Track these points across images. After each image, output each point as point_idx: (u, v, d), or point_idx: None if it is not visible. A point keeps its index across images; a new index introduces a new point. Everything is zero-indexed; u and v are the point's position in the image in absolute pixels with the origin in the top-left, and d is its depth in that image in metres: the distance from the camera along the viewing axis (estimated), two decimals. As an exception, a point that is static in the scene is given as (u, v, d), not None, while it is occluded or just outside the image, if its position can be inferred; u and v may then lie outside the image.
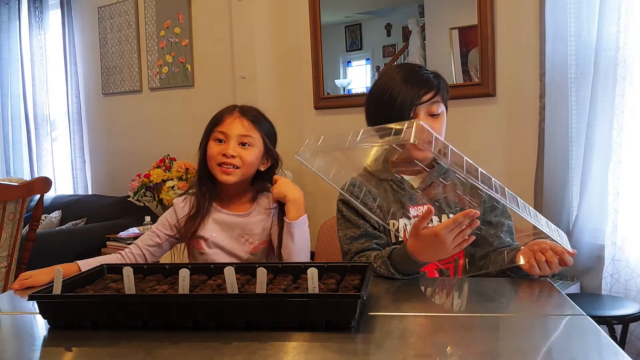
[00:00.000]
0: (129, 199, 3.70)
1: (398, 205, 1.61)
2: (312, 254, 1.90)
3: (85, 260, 1.64)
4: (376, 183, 1.64)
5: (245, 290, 1.22)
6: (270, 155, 1.79)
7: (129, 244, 1.82)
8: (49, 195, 4.20)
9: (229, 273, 1.16)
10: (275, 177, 1.77)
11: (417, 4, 3.01)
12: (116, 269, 1.40)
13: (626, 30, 2.37)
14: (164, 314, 1.16)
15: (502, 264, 1.50)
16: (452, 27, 2.93)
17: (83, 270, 1.55)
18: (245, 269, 1.34)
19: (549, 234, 1.37)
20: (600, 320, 2.16)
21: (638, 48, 2.39)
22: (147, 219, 3.57)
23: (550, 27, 2.54)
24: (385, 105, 1.56)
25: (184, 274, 1.17)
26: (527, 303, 1.39)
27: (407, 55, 3.08)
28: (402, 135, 1.25)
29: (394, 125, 1.30)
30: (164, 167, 3.62)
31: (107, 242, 3.55)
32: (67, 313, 1.19)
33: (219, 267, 1.28)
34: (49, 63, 4.74)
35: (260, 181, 1.82)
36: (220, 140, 1.73)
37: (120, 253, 1.76)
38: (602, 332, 1.08)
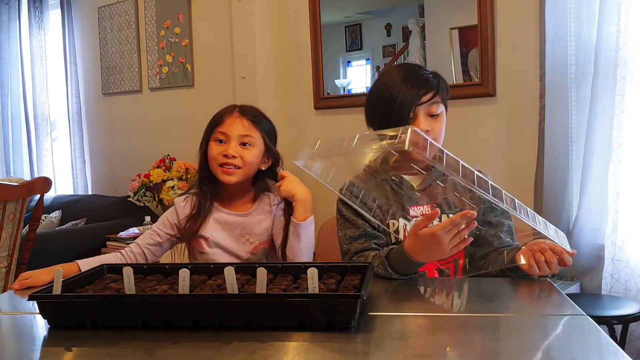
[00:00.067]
0: (129, 199, 3.70)
1: (398, 206, 1.61)
2: (312, 254, 1.90)
3: (85, 259, 1.65)
4: (376, 183, 1.64)
5: (245, 290, 1.22)
6: (271, 154, 1.79)
7: (129, 244, 1.82)
8: (49, 195, 4.20)
9: (229, 273, 1.16)
10: (282, 172, 1.76)
11: (417, 4, 3.01)
12: (116, 269, 1.40)
13: (626, 30, 2.37)
14: (164, 314, 1.16)
15: (501, 264, 1.50)
16: (452, 27, 2.93)
17: (83, 269, 1.55)
18: (245, 269, 1.34)
19: (547, 235, 1.37)
20: (600, 320, 2.16)
21: (638, 48, 2.39)
22: (147, 219, 3.57)
23: (550, 27, 2.54)
24: (384, 106, 1.56)
25: (184, 274, 1.17)
26: (527, 303, 1.39)
27: (407, 55, 3.08)
28: (396, 142, 1.26)
29: (389, 132, 1.31)
30: (164, 167, 3.63)
31: (107, 242, 3.55)
32: (67, 313, 1.19)
33: (219, 267, 1.28)
34: (49, 63, 4.74)
35: (261, 180, 1.82)
36: (220, 141, 1.73)
37: (120, 252, 1.76)
38: (602, 332, 1.08)
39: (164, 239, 1.80)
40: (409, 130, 1.27)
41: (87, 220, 3.97)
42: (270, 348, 1.04)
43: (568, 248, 1.39)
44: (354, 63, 3.38)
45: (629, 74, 2.41)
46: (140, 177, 3.63)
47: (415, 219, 1.59)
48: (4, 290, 2.63)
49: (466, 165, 1.33)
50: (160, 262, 1.87)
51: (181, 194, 1.88)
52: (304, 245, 1.69)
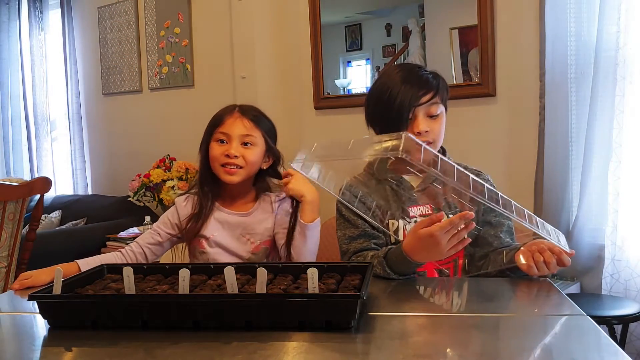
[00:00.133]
0: (129, 199, 3.70)
1: (397, 206, 1.61)
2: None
3: (85, 259, 1.65)
4: (375, 183, 1.65)
5: (245, 290, 1.22)
6: (272, 153, 1.79)
7: (129, 244, 1.82)
8: (49, 195, 4.20)
9: (229, 273, 1.16)
10: (289, 170, 1.75)
11: (417, 4, 3.01)
12: (116, 269, 1.40)
13: (626, 30, 2.37)
14: (164, 314, 1.16)
15: (501, 264, 1.50)
16: (452, 27, 2.93)
17: (83, 269, 1.55)
18: (245, 269, 1.34)
19: (545, 237, 1.37)
20: (600, 320, 2.16)
21: (638, 48, 2.39)
22: (147, 219, 3.57)
23: (550, 27, 2.54)
24: (384, 106, 1.56)
25: (184, 274, 1.17)
26: (527, 303, 1.39)
27: (407, 55, 3.08)
28: (390, 148, 1.27)
29: (385, 137, 1.32)
30: (164, 167, 3.63)
31: (107, 242, 3.55)
32: (67, 313, 1.19)
33: (219, 267, 1.28)
34: (49, 63, 4.74)
35: (262, 180, 1.82)
36: (222, 141, 1.74)
37: (120, 251, 1.76)
38: (602, 332, 1.08)
39: (164, 238, 1.80)
40: (403, 136, 1.28)
41: (87, 220, 3.97)
42: (270, 348, 1.04)
43: (567, 249, 1.39)
44: (354, 63, 3.38)
45: (629, 74, 2.41)
46: (140, 177, 3.63)
47: (415, 219, 1.59)
48: (4, 290, 2.63)
49: (461, 169, 1.34)
50: (160, 262, 1.87)
51: (182, 194, 1.88)
52: (309, 247, 1.69)
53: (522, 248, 1.44)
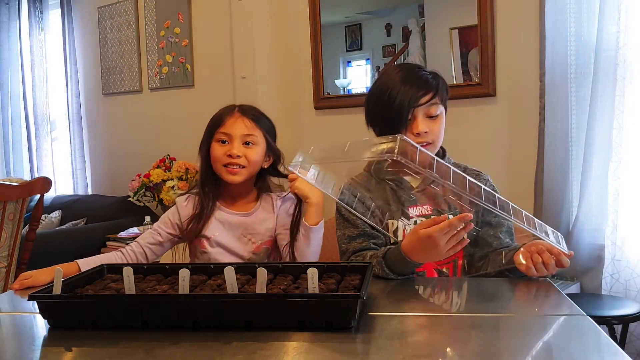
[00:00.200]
0: (129, 199, 3.70)
1: (397, 206, 1.61)
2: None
3: (85, 259, 1.65)
4: (375, 183, 1.65)
5: (245, 290, 1.22)
6: (272, 151, 1.79)
7: (129, 244, 1.82)
8: (49, 195, 4.19)
9: (229, 273, 1.16)
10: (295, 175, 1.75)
11: (417, 4, 3.01)
12: (116, 269, 1.40)
13: (626, 30, 2.37)
14: (164, 314, 1.16)
15: (500, 264, 1.50)
16: (452, 27, 2.93)
17: (83, 269, 1.55)
18: (246, 269, 1.34)
19: (543, 238, 1.37)
20: (600, 320, 2.16)
21: (638, 48, 2.39)
22: (147, 219, 3.57)
23: (550, 27, 2.54)
24: (384, 106, 1.56)
25: (184, 274, 1.17)
26: (527, 303, 1.39)
27: (407, 55, 3.08)
28: (385, 151, 1.28)
29: (381, 140, 1.33)
30: (164, 167, 3.63)
31: (107, 242, 3.55)
32: (67, 313, 1.19)
33: (219, 267, 1.28)
34: (49, 63, 4.74)
35: (263, 179, 1.83)
36: (223, 141, 1.74)
37: (121, 251, 1.76)
38: (602, 332, 1.08)
39: (165, 238, 1.80)
40: (398, 138, 1.29)
41: (87, 220, 3.97)
42: (270, 348, 1.04)
43: (565, 250, 1.39)
44: (354, 63, 3.38)
45: (629, 74, 2.41)
46: (140, 177, 3.63)
47: (414, 219, 1.59)
48: (4, 290, 2.63)
49: (457, 171, 1.34)
50: (160, 262, 1.87)
51: (182, 194, 1.88)
52: (312, 249, 1.69)
53: (521, 249, 1.44)
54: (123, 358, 1.05)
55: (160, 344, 1.08)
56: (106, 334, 1.14)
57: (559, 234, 1.44)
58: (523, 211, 1.37)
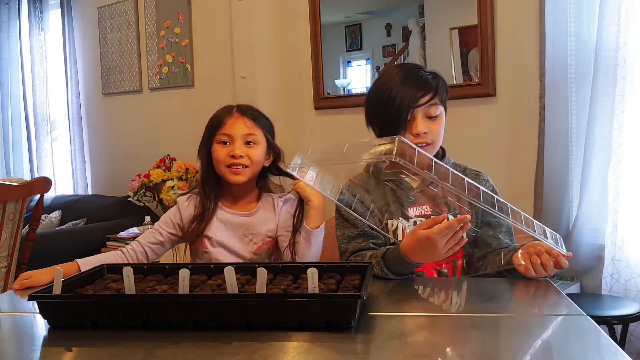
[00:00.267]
0: (129, 199, 3.70)
1: (397, 206, 1.61)
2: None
3: (85, 258, 1.65)
4: (375, 183, 1.65)
5: (245, 290, 1.22)
6: (272, 149, 1.80)
7: (130, 243, 1.82)
8: (49, 195, 4.20)
9: (229, 273, 1.16)
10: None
11: (417, 4, 3.01)
12: (116, 269, 1.40)
13: (626, 30, 2.37)
14: (164, 314, 1.16)
15: (499, 265, 1.50)
16: (452, 27, 2.93)
17: (83, 269, 1.55)
18: (246, 269, 1.34)
19: (542, 240, 1.37)
20: (600, 320, 2.16)
21: (638, 48, 2.39)
22: (147, 219, 3.57)
23: (550, 27, 2.54)
24: (383, 106, 1.56)
25: (184, 274, 1.17)
26: (527, 303, 1.39)
27: (407, 55, 3.08)
28: (383, 153, 1.28)
29: (380, 141, 1.33)
30: (164, 167, 3.63)
31: (107, 242, 3.55)
32: (67, 313, 1.19)
33: (219, 267, 1.29)
34: (49, 63, 4.74)
35: (265, 178, 1.83)
36: (225, 143, 1.74)
37: (121, 250, 1.76)
38: (602, 332, 1.08)
39: (166, 238, 1.80)
40: (397, 140, 1.29)
41: (87, 220, 3.97)
42: (270, 348, 1.04)
43: (564, 251, 1.39)
44: (354, 63, 3.38)
45: (629, 74, 2.41)
46: (140, 177, 3.63)
47: (414, 220, 1.59)
48: (4, 290, 2.63)
49: (456, 173, 1.34)
50: (160, 262, 1.87)
51: (184, 193, 1.88)
52: (312, 252, 1.70)
53: (520, 250, 1.44)
54: (123, 358, 1.05)
55: (160, 344, 1.08)
56: (106, 334, 1.14)
57: (557, 235, 1.44)
58: (522, 213, 1.37)
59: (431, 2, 2.97)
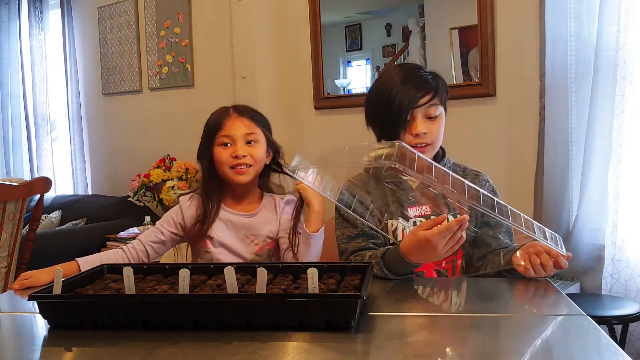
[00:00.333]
0: (129, 199, 3.70)
1: (396, 206, 1.61)
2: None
3: (85, 257, 1.64)
4: (375, 184, 1.65)
5: (245, 290, 1.22)
6: (272, 147, 1.81)
7: (131, 242, 1.81)
8: (49, 195, 4.19)
9: (229, 273, 1.16)
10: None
11: (417, 4, 3.00)
12: (116, 268, 1.40)
13: (626, 30, 2.37)
14: (164, 314, 1.16)
15: (498, 265, 1.50)
16: (452, 27, 2.93)
17: (83, 268, 1.56)
18: (246, 269, 1.34)
19: (541, 240, 1.37)
20: (600, 320, 2.16)
21: (638, 48, 2.39)
22: (147, 219, 3.57)
23: (550, 27, 2.54)
24: (383, 106, 1.56)
25: (184, 274, 1.17)
26: (527, 303, 1.39)
27: (407, 55, 3.08)
28: (383, 158, 1.28)
29: (379, 145, 1.33)
30: (164, 167, 3.63)
31: (107, 242, 3.55)
32: (67, 313, 1.19)
33: (219, 267, 1.28)
34: (49, 63, 4.74)
35: (266, 176, 1.84)
36: (226, 144, 1.74)
37: (122, 248, 1.76)
38: (602, 332, 1.08)
39: (167, 237, 1.80)
40: (397, 145, 1.29)
41: (87, 220, 3.97)
42: (270, 348, 1.04)
43: (563, 252, 1.39)
44: (354, 63, 3.38)
45: (629, 74, 2.41)
46: (140, 177, 3.63)
47: (414, 220, 1.59)
48: (4, 290, 2.63)
49: (456, 176, 1.35)
50: (160, 262, 1.87)
51: (185, 193, 1.88)
52: (312, 254, 1.70)
53: (519, 250, 1.44)
54: (123, 358, 1.05)
55: (160, 344, 1.08)
56: (106, 334, 1.14)
57: (557, 236, 1.44)
58: (522, 214, 1.37)
59: (431, 2, 2.97)
